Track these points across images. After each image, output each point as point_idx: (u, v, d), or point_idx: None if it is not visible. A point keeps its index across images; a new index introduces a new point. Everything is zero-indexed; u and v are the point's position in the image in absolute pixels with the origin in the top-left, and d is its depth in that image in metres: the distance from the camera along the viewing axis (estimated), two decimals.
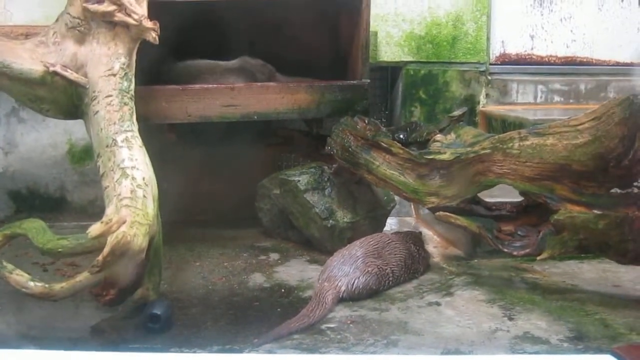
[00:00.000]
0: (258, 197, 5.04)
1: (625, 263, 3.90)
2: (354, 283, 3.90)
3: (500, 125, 5.53)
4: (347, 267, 3.94)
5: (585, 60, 6.24)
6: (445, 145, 4.35)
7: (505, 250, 4.12)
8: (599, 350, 3.31)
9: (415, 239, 4.39)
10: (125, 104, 3.82)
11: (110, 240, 3.27)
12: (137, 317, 3.59)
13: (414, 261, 4.24)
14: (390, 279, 4.07)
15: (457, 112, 4.61)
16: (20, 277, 3.37)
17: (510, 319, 3.70)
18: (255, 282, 4.21)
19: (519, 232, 4.19)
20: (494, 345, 3.41)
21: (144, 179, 3.56)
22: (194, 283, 4.19)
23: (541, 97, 6.03)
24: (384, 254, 4.09)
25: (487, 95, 5.94)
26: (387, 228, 4.94)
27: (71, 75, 3.92)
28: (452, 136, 4.43)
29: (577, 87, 6.06)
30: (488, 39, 5.94)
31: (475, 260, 4.57)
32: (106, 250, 3.26)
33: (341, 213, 4.68)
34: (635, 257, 3.80)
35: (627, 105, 3.56)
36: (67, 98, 3.99)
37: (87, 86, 3.90)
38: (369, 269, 3.97)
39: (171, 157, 4.99)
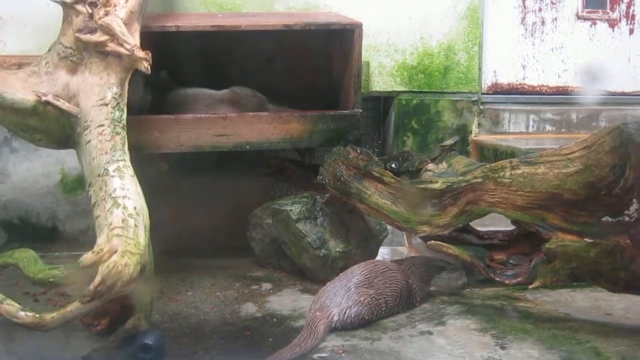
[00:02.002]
0: (250, 227, 5.04)
1: (617, 291, 3.90)
2: (346, 313, 3.89)
3: (492, 154, 5.54)
4: (340, 297, 3.94)
5: (576, 89, 6.26)
6: (437, 174, 4.36)
7: (497, 279, 4.12)
8: None
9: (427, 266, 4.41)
10: (117, 133, 3.83)
11: (102, 269, 3.27)
12: (129, 347, 3.57)
13: (410, 292, 4.23)
14: (384, 309, 4.06)
15: (448, 142, 4.62)
16: (10, 307, 3.37)
17: (503, 347, 3.69)
18: (247, 312, 4.20)
19: (510, 261, 4.20)
20: None
21: (135, 208, 3.56)
22: (186, 313, 4.19)
23: (533, 127, 6.05)
24: (378, 283, 4.07)
25: (479, 124, 5.95)
26: (379, 257, 4.93)
27: (63, 104, 3.93)
28: (443, 165, 4.44)
29: (569, 116, 6.08)
30: (480, 68, 5.97)
31: (468, 289, 4.55)
32: (97, 279, 3.25)
33: (333, 242, 4.68)
34: (627, 286, 3.80)
35: (617, 134, 3.57)
36: (59, 128, 4.00)
37: (79, 116, 3.91)
38: (362, 298, 3.96)
39: (163, 186, 4.98)
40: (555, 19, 6.19)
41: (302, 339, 3.65)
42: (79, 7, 4.02)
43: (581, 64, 6.24)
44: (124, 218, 3.49)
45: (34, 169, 5.40)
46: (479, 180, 4.04)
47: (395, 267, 4.25)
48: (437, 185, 4.22)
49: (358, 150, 4.58)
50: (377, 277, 4.09)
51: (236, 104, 4.94)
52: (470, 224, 4.34)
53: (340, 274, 4.18)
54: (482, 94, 6.05)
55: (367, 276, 4.07)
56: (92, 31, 3.93)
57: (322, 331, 3.75)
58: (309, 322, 3.79)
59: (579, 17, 6.23)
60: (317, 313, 3.85)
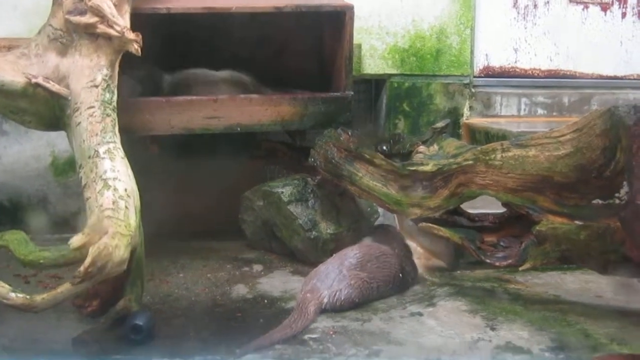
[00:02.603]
0: (242, 209, 5.04)
1: (606, 274, 3.91)
2: (336, 295, 3.89)
3: (483, 137, 5.54)
4: (331, 280, 3.94)
5: (568, 73, 6.26)
6: (428, 157, 4.37)
7: (488, 261, 4.13)
8: None
9: (401, 244, 4.41)
10: (107, 115, 3.81)
11: (92, 251, 3.27)
12: (120, 328, 3.57)
13: (403, 276, 4.24)
14: (375, 293, 4.06)
15: (440, 124, 4.63)
16: (1, 288, 3.36)
17: (493, 329, 3.71)
18: (239, 294, 4.21)
19: (501, 243, 4.21)
20: (476, 356, 3.42)
21: (126, 190, 3.55)
22: (177, 294, 4.19)
23: (525, 110, 6.04)
24: (371, 267, 4.08)
25: (470, 107, 5.95)
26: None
27: (53, 87, 3.91)
28: (435, 148, 4.45)
29: (561, 100, 6.08)
30: (472, 52, 5.95)
31: (458, 271, 4.57)
32: (88, 261, 3.25)
33: (324, 225, 4.68)
34: (617, 268, 3.81)
35: (608, 117, 3.57)
36: (49, 110, 3.98)
37: (69, 98, 3.90)
38: (352, 281, 3.96)
39: (154, 169, 4.98)
40: (548, 2, 6.17)
41: (293, 320, 3.67)
42: None
43: (573, 47, 6.24)
44: (114, 200, 3.48)
45: (25, 151, 5.39)
46: (470, 162, 4.05)
47: (390, 251, 4.25)
48: (428, 168, 4.23)
49: (349, 133, 4.58)
50: (371, 261, 4.10)
51: (239, 84, 4.95)
52: (461, 206, 4.35)
53: (334, 255, 4.19)
54: (474, 77, 6.04)
55: (360, 259, 4.07)
56: (82, 13, 3.91)
57: (313, 312, 3.76)
58: (299, 304, 3.80)
59: (571, 1, 6.21)
60: (308, 294, 3.86)
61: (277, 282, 4.41)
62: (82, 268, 3.25)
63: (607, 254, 3.77)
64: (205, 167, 5.31)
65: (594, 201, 3.82)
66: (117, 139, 3.79)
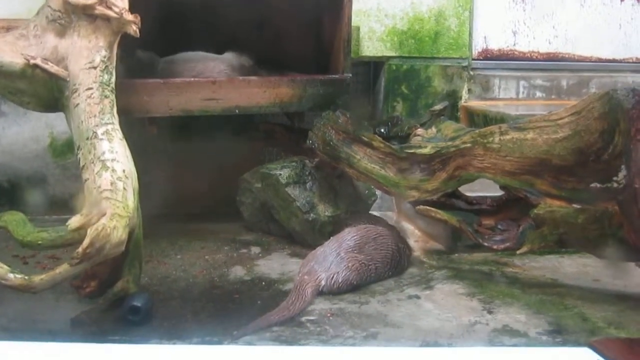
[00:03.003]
0: (239, 191, 5.04)
1: (604, 257, 3.92)
2: (333, 278, 3.90)
3: (482, 120, 5.54)
4: (328, 262, 3.95)
5: (567, 56, 6.26)
6: (426, 140, 4.37)
7: (486, 244, 4.15)
8: (577, 344, 3.33)
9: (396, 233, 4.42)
10: (105, 96, 3.81)
11: (90, 232, 3.27)
12: (118, 309, 3.58)
13: (401, 257, 4.25)
14: (373, 275, 4.07)
15: (438, 107, 4.63)
16: (0, 269, 3.37)
17: (490, 312, 3.72)
18: (236, 275, 4.22)
19: (499, 226, 4.22)
20: (473, 338, 3.43)
21: (124, 171, 3.56)
22: (175, 276, 4.20)
23: (523, 93, 6.05)
24: (369, 249, 4.08)
25: (469, 90, 5.95)
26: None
27: (52, 68, 3.91)
28: (433, 130, 4.45)
29: (559, 83, 6.08)
30: (470, 34, 5.95)
31: (456, 255, 4.57)
32: (86, 242, 3.25)
33: (322, 207, 4.68)
34: (614, 252, 3.81)
35: (606, 100, 3.57)
36: (47, 91, 3.98)
37: (68, 79, 3.89)
38: (350, 264, 3.97)
39: (152, 150, 4.98)
40: None
41: (290, 303, 3.67)
42: None
43: (572, 30, 6.23)
44: (112, 181, 3.48)
45: (23, 132, 5.39)
46: (468, 145, 4.04)
47: (387, 233, 4.26)
48: (426, 150, 4.23)
49: (347, 115, 4.58)
50: (368, 243, 4.10)
51: (239, 67, 4.95)
52: (459, 189, 4.36)
53: (331, 238, 4.19)
54: (473, 59, 6.04)
55: (357, 242, 4.08)
56: None
57: (310, 295, 3.76)
58: (296, 286, 3.81)
59: None
60: (305, 277, 3.87)
61: (275, 264, 4.42)
62: (80, 249, 3.26)
63: (605, 238, 3.77)
64: (203, 149, 5.31)
65: (592, 184, 3.81)
66: (116, 121, 3.79)
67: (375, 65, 5.99)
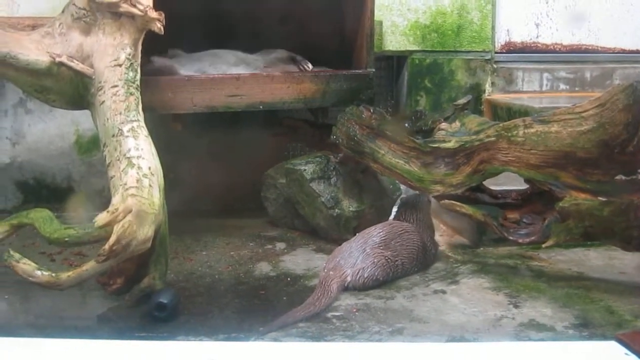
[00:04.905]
0: (264, 187, 5.05)
1: (630, 250, 3.90)
2: (359, 274, 3.90)
3: (505, 113, 5.53)
4: (354, 258, 3.95)
5: (590, 47, 6.24)
6: (450, 134, 4.36)
7: (511, 238, 4.14)
8: (603, 337, 3.32)
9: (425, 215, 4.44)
10: (131, 94, 3.83)
11: (117, 229, 3.29)
12: (144, 306, 3.60)
13: (426, 253, 4.24)
14: (400, 270, 4.07)
15: (461, 101, 4.61)
16: (27, 266, 3.39)
17: (516, 306, 3.71)
18: (261, 271, 4.23)
19: (524, 220, 4.21)
20: (499, 333, 3.42)
21: (149, 168, 3.57)
22: (200, 272, 4.21)
23: (547, 85, 6.03)
24: (395, 245, 4.08)
25: (492, 83, 5.94)
26: (392, 217, 4.93)
27: (77, 65, 3.93)
28: (457, 124, 4.44)
29: (583, 74, 6.06)
30: (493, 27, 5.94)
31: (481, 249, 4.56)
32: (112, 239, 3.27)
33: (347, 202, 4.69)
34: None
35: (631, 91, 3.55)
36: (73, 88, 4.00)
37: (93, 77, 3.92)
38: (376, 260, 3.97)
39: (177, 147, 5.00)
40: None
41: (316, 298, 3.68)
42: None
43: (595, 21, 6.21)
44: (138, 178, 3.50)
45: (49, 129, 5.42)
46: (492, 139, 4.04)
47: (412, 229, 4.25)
48: (450, 145, 4.22)
49: (371, 110, 4.58)
50: (395, 239, 4.10)
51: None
52: (484, 183, 4.35)
53: (357, 234, 4.19)
54: (496, 52, 6.03)
55: (383, 238, 4.07)
56: None
57: (335, 290, 3.77)
58: (322, 281, 3.81)
59: None
60: (331, 272, 3.87)
61: (300, 260, 4.42)
62: (106, 246, 3.28)
63: (631, 230, 3.76)
64: (228, 145, 5.33)
65: (617, 177, 3.82)
66: (141, 118, 3.81)
67: (398, 59, 5.99)
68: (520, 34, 6.16)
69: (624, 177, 3.80)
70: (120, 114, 3.75)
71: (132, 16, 3.92)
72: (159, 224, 3.57)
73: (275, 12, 5.27)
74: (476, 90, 5.89)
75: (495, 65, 5.95)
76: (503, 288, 3.94)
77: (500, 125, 4.09)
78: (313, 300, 3.66)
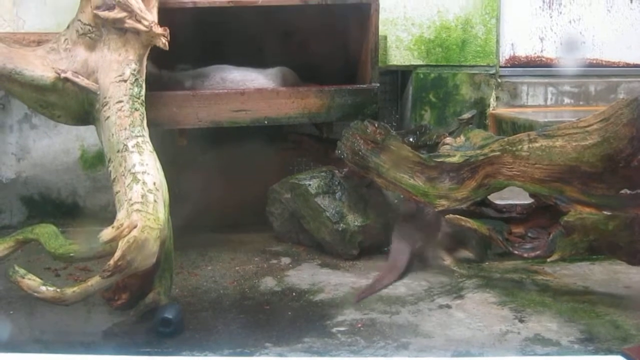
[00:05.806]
0: (269, 202, 5.06)
1: (635, 264, 3.90)
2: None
3: (510, 127, 5.53)
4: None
5: (594, 61, 6.24)
6: (454, 148, 4.36)
7: (516, 252, 4.12)
8: (609, 352, 3.33)
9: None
10: (136, 109, 3.84)
11: (122, 244, 3.29)
12: (149, 321, 3.60)
13: None
14: None
15: (466, 115, 4.63)
16: (32, 281, 3.40)
17: (521, 321, 3.71)
18: (267, 286, 4.23)
19: (529, 234, 4.20)
20: (505, 348, 3.42)
21: (154, 183, 3.58)
22: (205, 287, 4.21)
23: (551, 99, 6.03)
24: None
25: (497, 98, 5.94)
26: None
27: (82, 81, 3.94)
28: (461, 139, 4.44)
29: (587, 88, 6.06)
30: (497, 41, 5.94)
31: (486, 263, 4.56)
32: (117, 254, 3.27)
33: (352, 217, 4.69)
34: None
35: (635, 106, 3.55)
36: (78, 104, 4.02)
37: (98, 92, 3.93)
38: None
39: (182, 162, 5.01)
40: None
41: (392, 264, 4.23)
42: None
43: (599, 35, 6.21)
44: (143, 193, 3.50)
45: (54, 145, 5.43)
46: (497, 153, 4.04)
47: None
48: (455, 159, 4.23)
49: (376, 125, 4.58)
50: None
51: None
52: (489, 197, 4.34)
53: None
54: (500, 67, 6.03)
55: None
56: (110, 8, 3.94)
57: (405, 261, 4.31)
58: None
59: None
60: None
61: (305, 275, 4.42)
62: (111, 261, 3.28)
63: (636, 244, 3.76)
64: (232, 160, 5.33)
65: (622, 191, 3.81)
66: (146, 133, 3.82)
67: (402, 74, 5.99)
68: (525, 48, 6.16)
69: (628, 191, 3.80)
70: (125, 129, 3.76)
71: (137, 32, 3.94)
72: (164, 239, 3.58)
73: (280, 27, 5.27)
74: (481, 104, 5.89)
75: (499, 80, 5.95)
76: (508, 302, 3.94)
77: (505, 139, 4.09)
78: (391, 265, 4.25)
